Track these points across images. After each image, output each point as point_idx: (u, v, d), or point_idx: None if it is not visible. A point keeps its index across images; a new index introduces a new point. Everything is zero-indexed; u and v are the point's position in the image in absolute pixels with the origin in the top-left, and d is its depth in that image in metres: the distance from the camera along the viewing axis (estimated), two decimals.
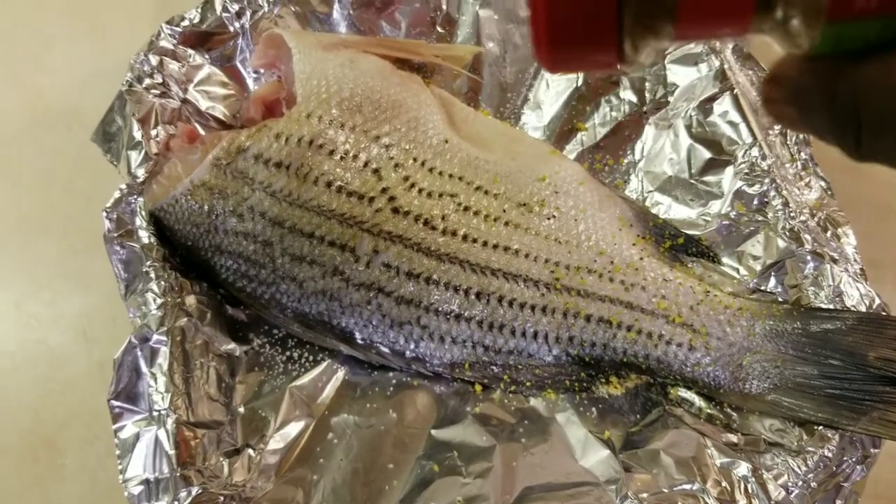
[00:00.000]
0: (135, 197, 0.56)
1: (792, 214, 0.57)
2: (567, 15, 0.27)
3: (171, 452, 0.49)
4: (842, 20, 0.25)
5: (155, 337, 0.52)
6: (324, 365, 0.58)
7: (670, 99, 0.63)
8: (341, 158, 0.56)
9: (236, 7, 0.63)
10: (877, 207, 0.67)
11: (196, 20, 0.62)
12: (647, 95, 0.65)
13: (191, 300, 0.55)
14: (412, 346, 0.56)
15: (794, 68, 0.27)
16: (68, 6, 0.77)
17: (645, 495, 0.51)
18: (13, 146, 0.71)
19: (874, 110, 0.25)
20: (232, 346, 0.57)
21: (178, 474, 0.49)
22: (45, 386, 0.62)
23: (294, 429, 0.55)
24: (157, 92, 0.60)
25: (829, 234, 0.57)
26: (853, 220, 0.59)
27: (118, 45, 0.74)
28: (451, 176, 0.57)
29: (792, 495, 0.51)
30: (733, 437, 0.54)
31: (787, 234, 0.57)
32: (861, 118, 0.26)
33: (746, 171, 0.59)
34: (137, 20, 0.75)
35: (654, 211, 0.62)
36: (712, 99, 0.62)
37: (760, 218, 0.58)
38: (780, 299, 0.56)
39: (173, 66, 0.61)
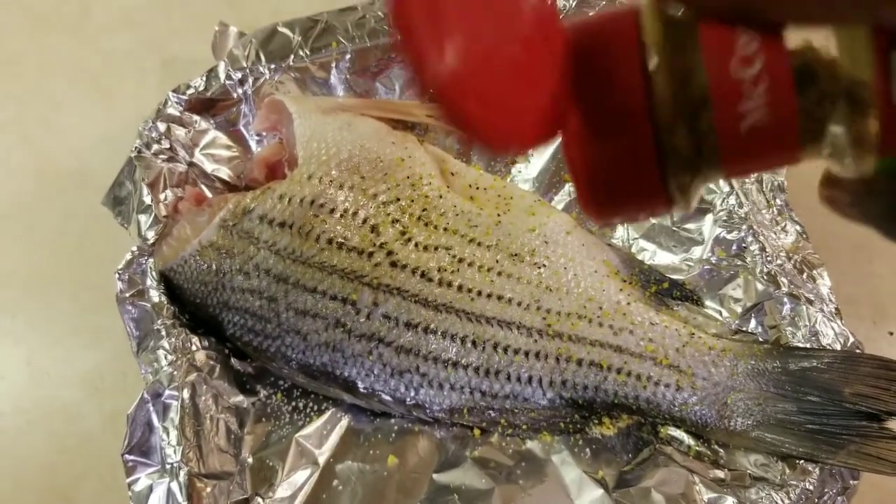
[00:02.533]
0: (145, 258, 0.59)
1: (769, 259, 0.60)
2: (607, 172, 0.26)
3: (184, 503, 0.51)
4: (892, 154, 0.25)
5: (167, 392, 0.54)
6: (328, 414, 0.60)
7: None
8: (341, 216, 0.59)
9: (239, 75, 0.66)
10: (852, 246, 0.70)
11: (201, 88, 0.66)
12: None
13: (200, 356, 0.58)
14: (412, 394, 0.59)
15: (850, 186, 0.29)
16: (76, 72, 0.80)
17: None
18: (25, 207, 0.73)
19: None
20: (240, 398, 0.59)
21: None
22: (59, 441, 0.64)
23: (301, 477, 0.57)
24: (165, 157, 0.63)
25: (804, 275, 0.60)
26: (829, 260, 0.62)
27: (125, 108, 0.77)
28: (445, 229, 0.60)
29: None
30: (720, 473, 0.56)
31: (765, 277, 0.60)
32: None
33: (725, 218, 0.63)
34: (143, 85, 0.79)
35: (639, 257, 0.65)
36: None
37: (739, 262, 0.61)
38: (760, 339, 0.59)
39: (180, 131, 0.65)
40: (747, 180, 0.63)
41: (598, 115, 0.26)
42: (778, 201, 0.63)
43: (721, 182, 0.63)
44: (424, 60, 0.22)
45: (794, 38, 0.25)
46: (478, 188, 0.64)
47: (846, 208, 0.29)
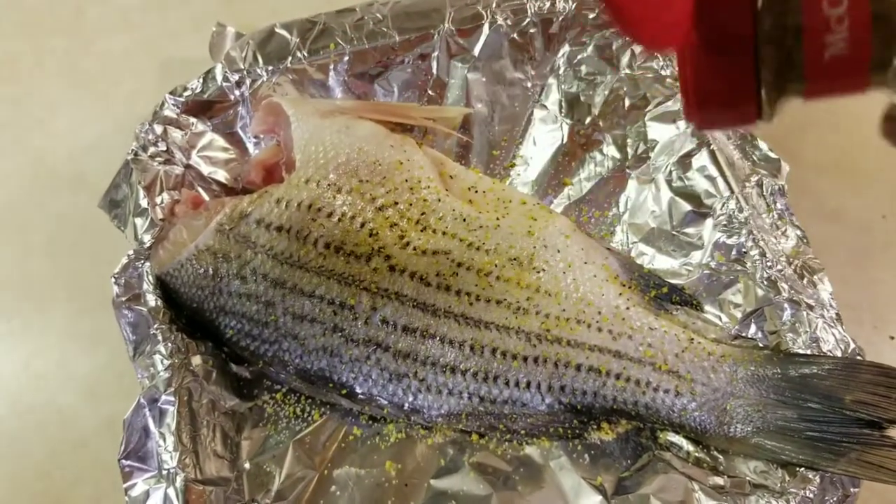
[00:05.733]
0: (142, 262, 0.59)
1: (769, 264, 0.60)
2: (713, 82, 0.33)
3: None
4: None
5: (163, 397, 0.54)
6: (325, 419, 0.60)
7: (651, 154, 0.67)
8: (339, 220, 0.58)
9: (236, 76, 0.66)
10: (853, 251, 0.70)
11: (198, 90, 0.65)
12: (629, 151, 0.68)
13: (196, 360, 0.57)
14: (410, 399, 0.58)
15: None
16: (72, 73, 0.80)
17: None
18: (19, 209, 0.73)
19: None
20: (237, 403, 0.59)
21: None
22: (55, 445, 0.64)
23: (298, 482, 0.57)
24: (162, 159, 0.63)
25: (805, 281, 0.60)
26: (830, 265, 0.62)
27: (121, 110, 0.77)
28: (444, 233, 0.59)
29: None
30: (720, 480, 0.56)
31: (765, 282, 0.59)
32: None
33: (725, 222, 0.62)
34: (139, 86, 0.78)
35: (638, 261, 0.65)
36: (690, 154, 0.65)
37: (739, 267, 0.61)
38: (760, 345, 0.59)
39: (176, 133, 0.64)
40: (747, 184, 0.63)
41: (713, 35, 0.32)
42: (778, 205, 0.63)
43: (721, 186, 0.63)
44: None
45: None
46: (477, 191, 0.63)
47: None
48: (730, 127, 0.38)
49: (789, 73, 0.31)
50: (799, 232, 0.62)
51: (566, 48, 0.70)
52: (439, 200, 0.61)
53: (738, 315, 0.60)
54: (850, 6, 0.30)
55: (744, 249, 0.61)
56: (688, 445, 0.58)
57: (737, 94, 0.33)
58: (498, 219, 0.61)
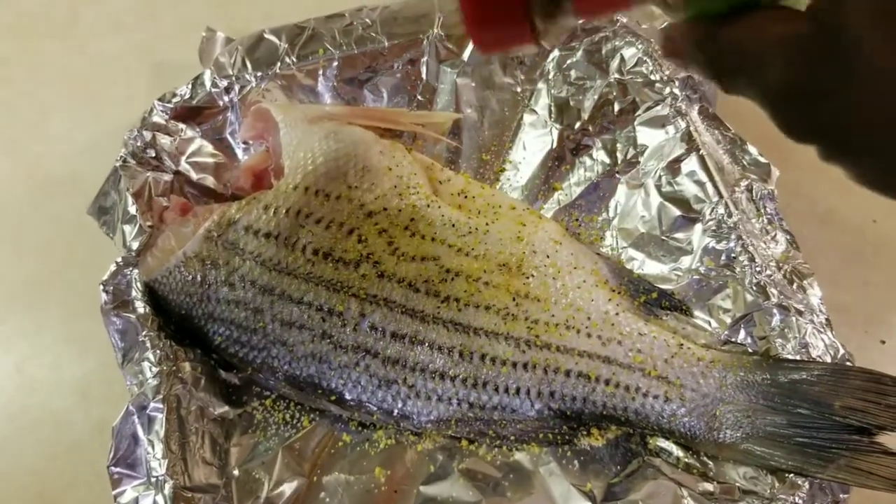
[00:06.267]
0: (130, 269, 0.59)
1: (758, 269, 0.60)
2: (486, 5, 0.35)
3: None
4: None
5: (151, 405, 0.54)
6: (315, 425, 0.60)
7: (640, 159, 0.66)
8: (327, 227, 0.58)
9: (225, 82, 0.66)
10: (843, 253, 0.70)
11: (187, 96, 0.65)
12: (619, 156, 0.68)
13: (185, 367, 0.57)
14: (399, 405, 0.58)
15: (678, 30, 0.38)
16: (65, 77, 0.80)
17: None
18: (13, 213, 0.73)
19: (727, 60, 0.36)
20: (225, 409, 0.59)
21: None
22: (48, 449, 0.64)
23: (287, 489, 0.57)
24: (151, 166, 0.63)
25: (794, 286, 0.60)
26: (822, 269, 0.62)
27: (114, 114, 0.77)
28: (433, 239, 0.59)
29: None
30: (709, 486, 0.56)
31: (755, 288, 0.59)
32: (722, 66, 0.36)
33: (714, 227, 0.62)
34: (132, 90, 0.78)
35: (628, 267, 0.64)
36: (680, 159, 0.64)
37: (729, 273, 0.61)
38: (749, 351, 0.59)
39: (165, 140, 0.64)
40: (737, 189, 0.63)
41: None
42: (768, 210, 0.63)
43: (710, 191, 0.63)
44: None
45: None
46: (466, 196, 0.63)
47: (674, 58, 0.39)
48: (511, 47, 0.40)
49: None
50: (788, 237, 0.62)
51: (555, 53, 0.70)
52: (428, 206, 0.61)
53: (728, 320, 0.60)
54: None
55: (733, 254, 0.61)
56: (677, 451, 0.58)
57: (508, 13, 0.35)
58: (487, 224, 0.61)
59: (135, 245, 0.59)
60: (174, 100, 0.65)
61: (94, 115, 0.78)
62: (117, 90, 0.79)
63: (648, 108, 0.66)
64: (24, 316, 0.69)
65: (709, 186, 0.63)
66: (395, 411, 0.58)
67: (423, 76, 0.70)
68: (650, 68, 0.67)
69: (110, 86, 0.80)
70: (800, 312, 0.58)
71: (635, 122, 0.67)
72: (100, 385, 0.66)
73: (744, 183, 0.63)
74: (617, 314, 0.59)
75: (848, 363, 0.57)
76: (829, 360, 0.57)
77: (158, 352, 0.56)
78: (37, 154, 0.76)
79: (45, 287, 0.70)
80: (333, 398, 0.58)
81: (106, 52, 0.81)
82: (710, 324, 0.61)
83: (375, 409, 0.58)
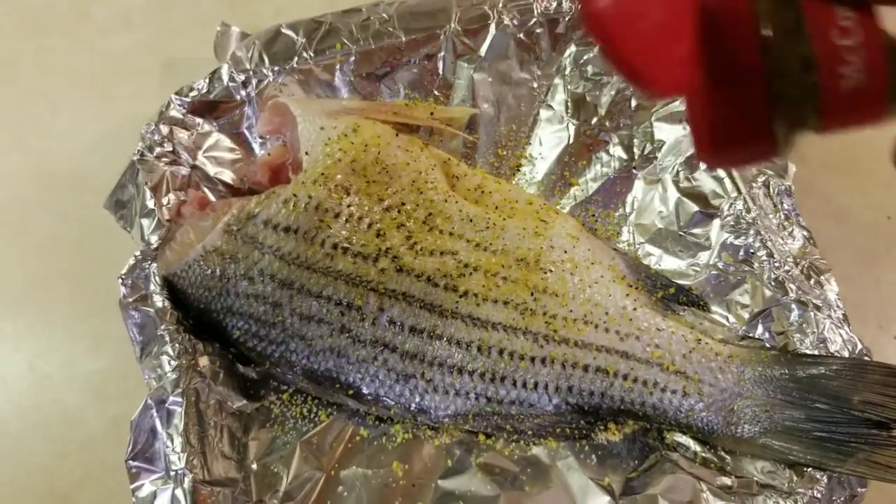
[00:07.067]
0: (148, 263, 0.59)
1: (776, 265, 0.60)
2: (726, 120, 0.31)
3: None
4: None
5: (170, 398, 0.54)
6: (333, 419, 0.60)
7: (658, 155, 0.67)
8: (346, 221, 0.58)
9: (242, 77, 0.66)
10: (859, 251, 0.70)
11: (204, 90, 0.65)
12: (636, 151, 0.68)
13: (204, 361, 0.57)
14: (417, 399, 0.58)
15: None
16: (74, 73, 0.80)
17: None
18: (22, 209, 0.73)
19: None
20: (244, 403, 0.59)
21: None
22: (61, 446, 0.64)
23: (305, 483, 0.57)
24: (168, 160, 0.63)
25: (812, 281, 0.60)
26: (836, 265, 0.62)
27: (123, 110, 0.77)
28: (451, 234, 0.59)
29: None
30: (727, 480, 0.56)
31: (773, 283, 0.59)
32: None
33: (732, 223, 0.62)
34: (142, 86, 0.78)
35: (645, 262, 0.65)
36: None
37: (747, 268, 0.61)
38: (767, 346, 0.59)
39: (182, 134, 0.64)
40: (754, 185, 0.63)
41: (721, 72, 0.30)
42: (785, 206, 0.63)
43: (728, 186, 0.63)
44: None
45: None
46: (483, 191, 0.63)
47: None
48: (745, 164, 0.36)
49: (804, 106, 0.30)
50: (806, 232, 0.63)
51: (572, 48, 0.70)
52: (446, 201, 0.61)
53: (746, 315, 0.60)
54: (865, 37, 0.29)
55: (751, 250, 0.61)
56: (695, 446, 0.58)
57: (751, 131, 0.31)
58: (504, 219, 0.61)
59: (153, 239, 0.59)
60: (191, 94, 0.65)
61: (103, 112, 0.78)
62: (126, 87, 0.79)
63: (666, 104, 0.67)
64: (34, 313, 0.69)
65: (727, 182, 0.63)
66: (413, 406, 0.58)
67: (440, 71, 0.70)
68: None
69: (119, 83, 0.79)
70: (818, 308, 0.58)
71: (652, 118, 0.67)
72: (112, 381, 0.66)
73: (761, 179, 0.63)
74: (635, 309, 0.59)
75: (866, 358, 0.57)
76: (846, 355, 0.57)
77: (177, 346, 0.56)
78: (45, 151, 0.76)
79: (54, 284, 0.70)
80: (351, 392, 0.58)
81: (114, 49, 0.81)
82: (727, 319, 0.61)
83: (393, 403, 0.58)
